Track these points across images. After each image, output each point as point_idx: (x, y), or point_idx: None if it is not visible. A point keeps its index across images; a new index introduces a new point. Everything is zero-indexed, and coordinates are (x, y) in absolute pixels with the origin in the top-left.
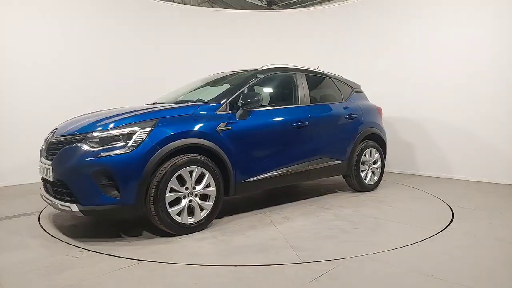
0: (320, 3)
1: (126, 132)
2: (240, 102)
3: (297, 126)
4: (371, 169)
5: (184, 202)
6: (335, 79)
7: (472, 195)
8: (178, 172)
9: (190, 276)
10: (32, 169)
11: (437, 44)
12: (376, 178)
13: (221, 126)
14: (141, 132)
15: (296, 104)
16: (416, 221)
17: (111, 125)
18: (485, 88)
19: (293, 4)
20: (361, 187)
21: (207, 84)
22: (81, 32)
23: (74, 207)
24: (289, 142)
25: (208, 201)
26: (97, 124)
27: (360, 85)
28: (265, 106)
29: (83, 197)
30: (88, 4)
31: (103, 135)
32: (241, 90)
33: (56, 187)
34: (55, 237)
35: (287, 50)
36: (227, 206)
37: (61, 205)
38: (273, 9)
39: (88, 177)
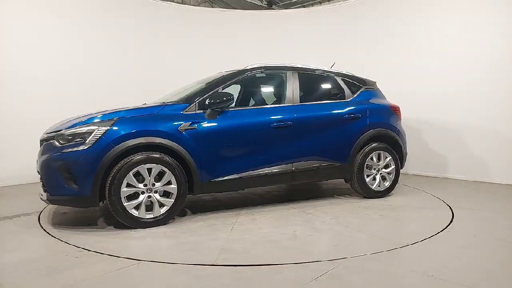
0: (320, 3)
1: (85, 130)
2: (208, 102)
3: (277, 126)
4: (380, 174)
5: (142, 197)
6: (339, 76)
7: (472, 195)
8: (135, 169)
9: (190, 276)
10: (32, 169)
11: (432, 41)
12: (387, 184)
13: (185, 126)
14: (98, 130)
15: (281, 103)
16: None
17: (76, 124)
18: (485, 88)
19: (293, 4)
20: (366, 193)
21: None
22: (81, 33)
23: (45, 196)
24: (267, 143)
25: (170, 198)
26: (68, 123)
27: (374, 82)
28: (242, 106)
29: (50, 187)
30: (88, 4)
31: (67, 133)
32: (215, 90)
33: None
34: (55, 237)
35: (287, 50)
36: (210, 202)
37: (40, 194)
38: (273, 9)
39: (53, 170)
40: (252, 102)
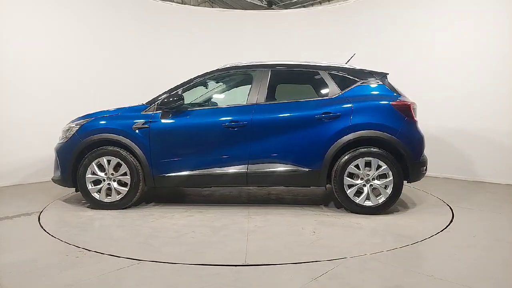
0: (320, 3)
1: (68, 127)
2: (160, 103)
3: (229, 126)
4: (372, 185)
5: (102, 184)
6: (326, 71)
7: (472, 195)
8: (97, 160)
9: (190, 276)
10: (32, 169)
11: (433, 42)
12: (381, 199)
13: (138, 124)
14: (74, 127)
15: (244, 103)
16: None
17: (69, 122)
18: (484, 89)
19: (293, 4)
20: (349, 207)
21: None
22: (81, 33)
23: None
24: (218, 143)
25: (126, 188)
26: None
27: (382, 75)
28: (201, 106)
29: (53, 169)
30: (88, 4)
31: (63, 129)
32: (175, 91)
33: None
34: (55, 237)
35: (287, 50)
36: (197, 196)
37: None
38: (273, 9)
39: (55, 156)
40: (217, 102)
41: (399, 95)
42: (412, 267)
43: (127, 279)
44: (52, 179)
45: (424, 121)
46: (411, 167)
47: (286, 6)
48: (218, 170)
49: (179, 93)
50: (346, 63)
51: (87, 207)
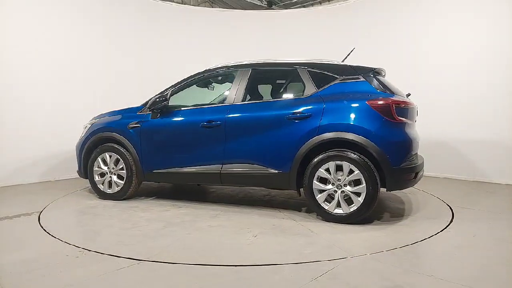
0: (320, 3)
1: (85, 125)
2: (149, 104)
3: (205, 126)
4: (343, 192)
5: (105, 177)
6: (306, 68)
7: (472, 195)
8: (102, 155)
9: (190, 276)
10: (32, 169)
11: (432, 42)
12: (352, 208)
13: (132, 124)
14: (87, 125)
15: (223, 103)
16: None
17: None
18: (484, 88)
19: (293, 4)
20: (320, 214)
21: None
22: (81, 33)
23: None
24: (195, 142)
25: (123, 181)
26: None
27: (368, 70)
28: (185, 106)
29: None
30: (88, 4)
31: (82, 126)
32: (166, 93)
33: None
34: (55, 237)
35: (287, 50)
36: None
37: None
38: (273, 9)
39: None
40: (198, 102)
41: (388, 93)
42: (412, 267)
43: (127, 279)
44: (76, 171)
45: (424, 121)
46: (388, 173)
47: (286, 6)
48: (195, 169)
49: (168, 94)
50: (344, 59)
51: (87, 200)
